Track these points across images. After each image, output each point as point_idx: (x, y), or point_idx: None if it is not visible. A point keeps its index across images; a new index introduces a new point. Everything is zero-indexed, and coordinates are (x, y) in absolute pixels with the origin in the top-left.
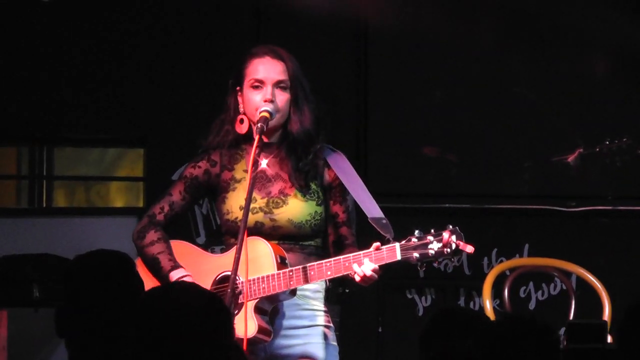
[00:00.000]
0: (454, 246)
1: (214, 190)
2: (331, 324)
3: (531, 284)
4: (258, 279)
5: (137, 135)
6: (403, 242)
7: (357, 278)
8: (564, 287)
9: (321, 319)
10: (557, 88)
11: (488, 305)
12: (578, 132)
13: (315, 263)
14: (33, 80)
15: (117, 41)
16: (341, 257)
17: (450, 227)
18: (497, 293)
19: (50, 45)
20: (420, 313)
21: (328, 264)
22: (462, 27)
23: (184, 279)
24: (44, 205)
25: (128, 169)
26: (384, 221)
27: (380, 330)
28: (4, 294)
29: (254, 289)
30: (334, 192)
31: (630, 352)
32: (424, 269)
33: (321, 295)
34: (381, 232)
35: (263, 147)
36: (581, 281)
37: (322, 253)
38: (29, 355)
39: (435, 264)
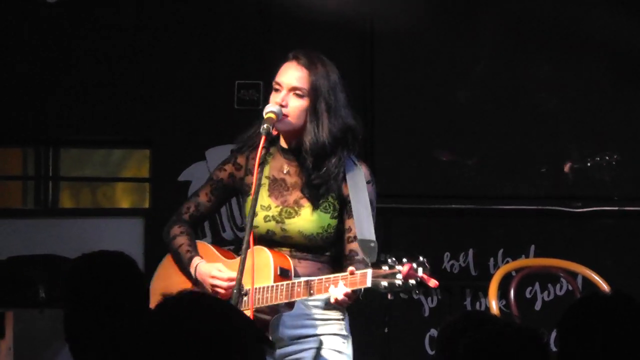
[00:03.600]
0: (417, 279)
1: (239, 193)
2: (345, 332)
3: (537, 284)
4: (258, 288)
5: (143, 136)
6: (375, 269)
7: (332, 300)
8: (570, 288)
9: (332, 327)
10: (567, 91)
11: (494, 305)
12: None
13: (303, 279)
14: (39, 81)
15: (123, 42)
16: (324, 277)
17: (420, 258)
18: (503, 294)
19: (56, 46)
20: (426, 314)
21: (311, 283)
22: (469, 29)
23: (198, 265)
24: (50, 206)
25: (134, 170)
26: (372, 244)
27: (386, 330)
28: (9, 295)
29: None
30: (349, 206)
31: (572, 354)
32: (392, 298)
33: (336, 305)
34: (362, 254)
35: (285, 154)
36: (587, 282)
37: (337, 264)
38: (35, 356)
39: (402, 295)
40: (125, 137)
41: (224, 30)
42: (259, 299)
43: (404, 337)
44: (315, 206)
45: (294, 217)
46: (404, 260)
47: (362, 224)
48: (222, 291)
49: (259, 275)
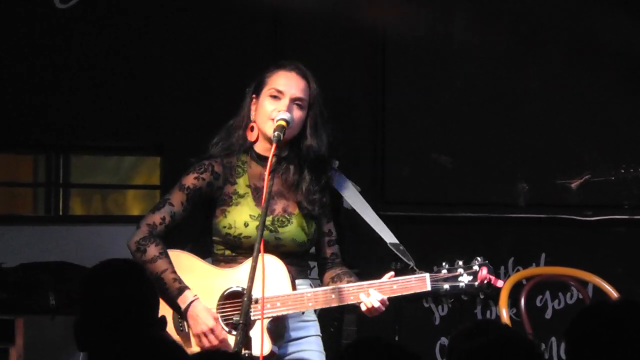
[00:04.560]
0: (486, 282)
1: (214, 202)
2: (321, 334)
3: (548, 293)
4: (273, 298)
5: (154, 143)
6: (433, 272)
7: (364, 308)
8: (581, 297)
9: (315, 329)
10: (575, 100)
11: (504, 314)
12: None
13: (329, 288)
14: (49, 87)
15: (134, 49)
16: (364, 282)
17: (480, 259)
18: (513, 302)
19: (67, 52)
20: (437, 322)
21: (351, 289)
22: (480, 36)
23: (193, 303)
24: (61, 213)
25: (145, 177)
26: (401, 247)
27: (396, 339)
28: (20, 301)
29: (268, 306)
30: (328, 210)
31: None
32: (451, 300)
33: None
34: (403, 259)
35: (262, 162)
36: (598, 290)
37: (308, 267)
38: None
39: (463, 296)
40: (136, 144)
41: (236, 37)
42: (290, 306)
43: (415, 345)
44: (304, 214)
45: (286, 225)
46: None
47: (382, 231)
48: (208, 345)
49: (273, 283)
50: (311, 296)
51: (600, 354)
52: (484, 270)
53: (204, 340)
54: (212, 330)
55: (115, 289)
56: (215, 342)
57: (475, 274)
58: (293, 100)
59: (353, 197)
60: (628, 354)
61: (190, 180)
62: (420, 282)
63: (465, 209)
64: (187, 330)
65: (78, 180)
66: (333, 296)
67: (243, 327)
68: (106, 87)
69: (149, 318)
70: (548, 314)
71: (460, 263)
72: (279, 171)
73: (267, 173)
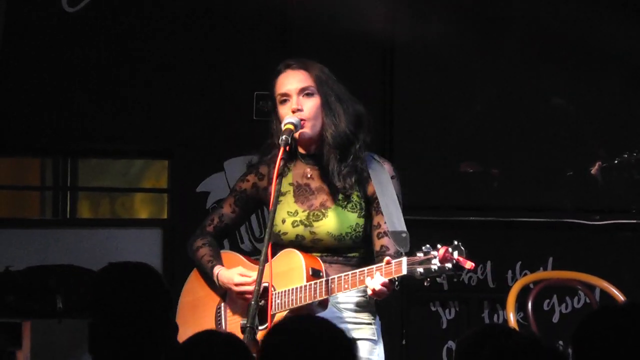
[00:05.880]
0: (453, 262)
1: (263, 202)
2: (375, 337)
3: (555, 297)
4: (287, 291)
5: (162, 146)
6: (410, 257)
7: (369, 292)
8: (588, 301)
9: (363, 332)
10: (587, 104)
11: (512, 318)
12: (598, 143)
13: (336, 276)
14: (57, 91)
15: (142, 53)
16: (357, 270)
17: (455, 242)
18: (521, 306)
19: (75, 56)
20: (444, 326)
21: (346, 277)
22: (488, 40)
23: (219, 274)
24: (68, 216)
25: (153, 181)
26: (404, 235)
27: (404, 342)
28: (27, 305)
29: (283, 301)
30: (376, 203)
31: None
32: (427, 284)
33: (367, 308)
34: (396, 245)
35: (306, 160)
36: (605, 295)
37: (368, 264)
38: None
39: (440, 279)
40: (144, 147)
41: (244, 41)
42: (292, 300)
43: (422, 349)
44: (342, 206)
45: (321, 219)
46: (438, 245)
47: (392, 217)
48: (249, 294)
49: (289, 277)
50: (317, 287)
51: (607, 358)
52: (442, 251)
53: (242, 295)
54: (238, 284)
55: (127, 291)
56: (249, 288)
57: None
58: (299, 94)
59: (380, 182)
60: (635, 358)
61: (238, 183)
62: (398, 267)
63: (473, 213)
64: (223, 323)
65: (86, 183)
66: (332, 286)
67: (250, 330)
68: (114, 90)
69: (161, 321)
70: (555, 318)
71: (439, 246)
72: (317, 166)
73: (274, 176)
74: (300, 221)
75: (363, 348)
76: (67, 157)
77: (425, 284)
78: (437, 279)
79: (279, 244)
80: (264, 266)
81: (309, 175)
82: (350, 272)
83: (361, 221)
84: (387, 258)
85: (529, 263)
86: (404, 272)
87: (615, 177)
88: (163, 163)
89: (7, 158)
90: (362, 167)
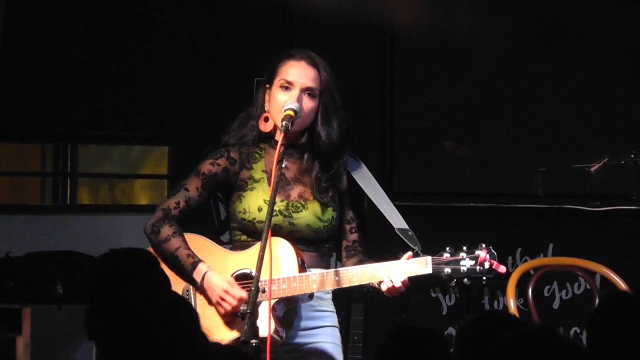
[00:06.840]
0: (487, 265)
1: (231, 188)
2: (338, 325)
3: (555, 283)
4: (279, 279)
5: (162, 133)
6: (435, 256)
7: (384, 287)
8: (588, 287)
9: (332, 319)
10: (582, 91)
11: (512, 304)
12: (604, 139)
13: (341, 269)
14: (58, 77)
15: (142, 39)
16: (368, 265)
17: (484, 245)
18: (521, 292)
19: (75, 42)
20: (444, 312)
21: (355, 271)
22: (488, 28)
23: (207, 274)
24: (68, 202)
25: (152, 167)
26: (410, 233)
27: None
28: (27, 291)
29: (274, 289)
30: (351, 197)
31: (603, 348)
32: (453, 284)
33: (330, 296)
34: (409, 243)
35: (284, 149)
36: (605, 281)
37: (333, 255)
38: (52, 352)
39: (465, 281)
40: (144, 133)
41: (246, 30)
42: (295, 287)
43: None
44: (320, 200)
45: (301, 211)
46: (464, 247)
47: (392, 216)
48: (229, 308)
49: (281, 266)
50: (316, 278)
51: (623, 343)
52: (484, 253)
53: (223, 304)
54: (227, 292)
55: (127, 277)
56: (234, 302)
57: (476, 259)
58: (303, 91)
59: (366, 183)
60: None
61: (206, 166)
62: (422, 265)
63: (473, 199)
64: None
65: (86, 169)
66: (337, 278)
67: (250, 316)
68: (114, 77)
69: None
70: (555, 304)
71: (464, 248)
72: (294, 157)
73: (274, 162)
74: (279, 211)
75: (332, 334)
76: (67, 143)
77: (452, 284)
78: (465, 281)
79: (251, 230)
80: (263, 252)
81: (283, 165)
82: (359, 267)
83: (335, 214)
84: (408, 253)
85: (529, 249)
86: (429, 270)
87: (621, 175)
88: (163, 149)
89: (7, 144)
90: (343, 168)
